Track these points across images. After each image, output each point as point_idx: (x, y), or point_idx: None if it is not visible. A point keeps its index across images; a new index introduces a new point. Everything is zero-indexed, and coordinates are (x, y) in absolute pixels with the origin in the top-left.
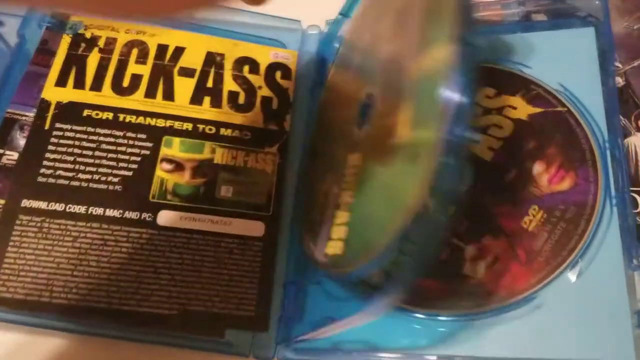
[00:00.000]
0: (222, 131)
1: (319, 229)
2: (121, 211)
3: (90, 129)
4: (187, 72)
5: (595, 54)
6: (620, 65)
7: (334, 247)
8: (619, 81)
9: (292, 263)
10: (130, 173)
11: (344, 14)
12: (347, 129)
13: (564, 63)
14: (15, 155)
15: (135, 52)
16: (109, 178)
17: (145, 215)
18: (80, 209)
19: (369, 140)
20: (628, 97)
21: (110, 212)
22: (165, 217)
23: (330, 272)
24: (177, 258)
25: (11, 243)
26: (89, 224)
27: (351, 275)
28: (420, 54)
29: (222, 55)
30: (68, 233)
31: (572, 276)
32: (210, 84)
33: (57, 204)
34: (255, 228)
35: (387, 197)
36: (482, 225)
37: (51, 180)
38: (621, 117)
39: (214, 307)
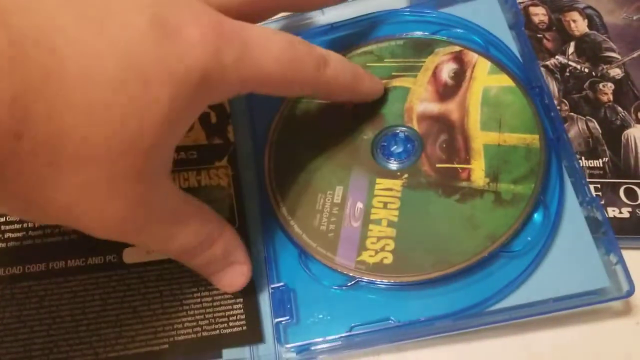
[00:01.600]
0: None
1: (332, 237)
2: (83, 259)
3: None
4: None
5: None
6: (619, 57)
7: (373, 257)
8: (618, 72)
9: (273, 267)
10: None
11: None
12: (360, 154)
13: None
14: None
15: None
16: (63, 228)
17: (109, 257)
18: (40, 267)
19: (417, 175)
20: (627, 88)
21: (72, 263)
22: (131, 254)
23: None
24: (154, 292)
25: None
26: (52, 280)
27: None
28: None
29: None
30: (33, 294)
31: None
32: None
33: (14, 268)
34: None
35: (467, 226)
36: None
37: (1, 245)
38: (620, 108)
39: (203, 331)
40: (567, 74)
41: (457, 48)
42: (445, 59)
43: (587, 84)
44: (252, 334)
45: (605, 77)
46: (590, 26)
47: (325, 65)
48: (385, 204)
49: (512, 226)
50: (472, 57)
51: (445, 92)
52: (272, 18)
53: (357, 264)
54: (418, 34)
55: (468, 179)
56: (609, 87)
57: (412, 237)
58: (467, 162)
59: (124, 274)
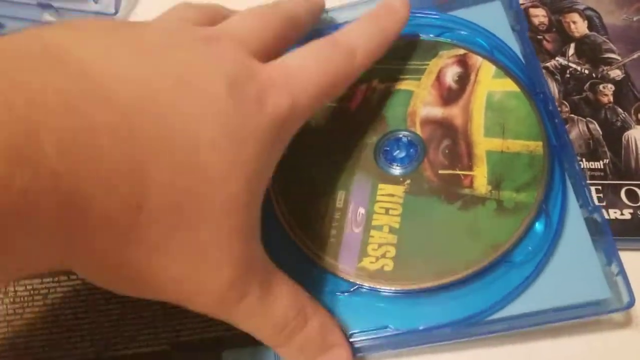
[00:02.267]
0: None
1: (333, 243)
2: None
3: None
4: None
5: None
6: (619, 58)
7: (374, 264)
8: (618, 74)
9: None
10: None
11: None
12: (362, 158)
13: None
14: None
15: None
16: None
17: None
18: None
19: (419, 181)
20: (628, 90)
21: None
22: None
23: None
24: None
25: None
26: (55, 279)
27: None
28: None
29: None
30: (36, 292)
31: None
32: None
33: None
34: None
35: (469, 234)
36: None
37: None
38: (621, 110)
39: (204, 332)
40: (567, 75)
41: (462, 51)
42: (450, 62)
43: (587, 85)
44: (252, 336)
45: (605, 79)
46: (590, 27)
47: (354, 54)
48: (387, 210)
49: (513, 235)
50: (477, 60)
51: (449, 96)
52: None
53: (357, 270)
54: (422, 36)
55: (470, 186)
56: (609, 89)
57: (413, 244)
58: (470, 168)
59: None
